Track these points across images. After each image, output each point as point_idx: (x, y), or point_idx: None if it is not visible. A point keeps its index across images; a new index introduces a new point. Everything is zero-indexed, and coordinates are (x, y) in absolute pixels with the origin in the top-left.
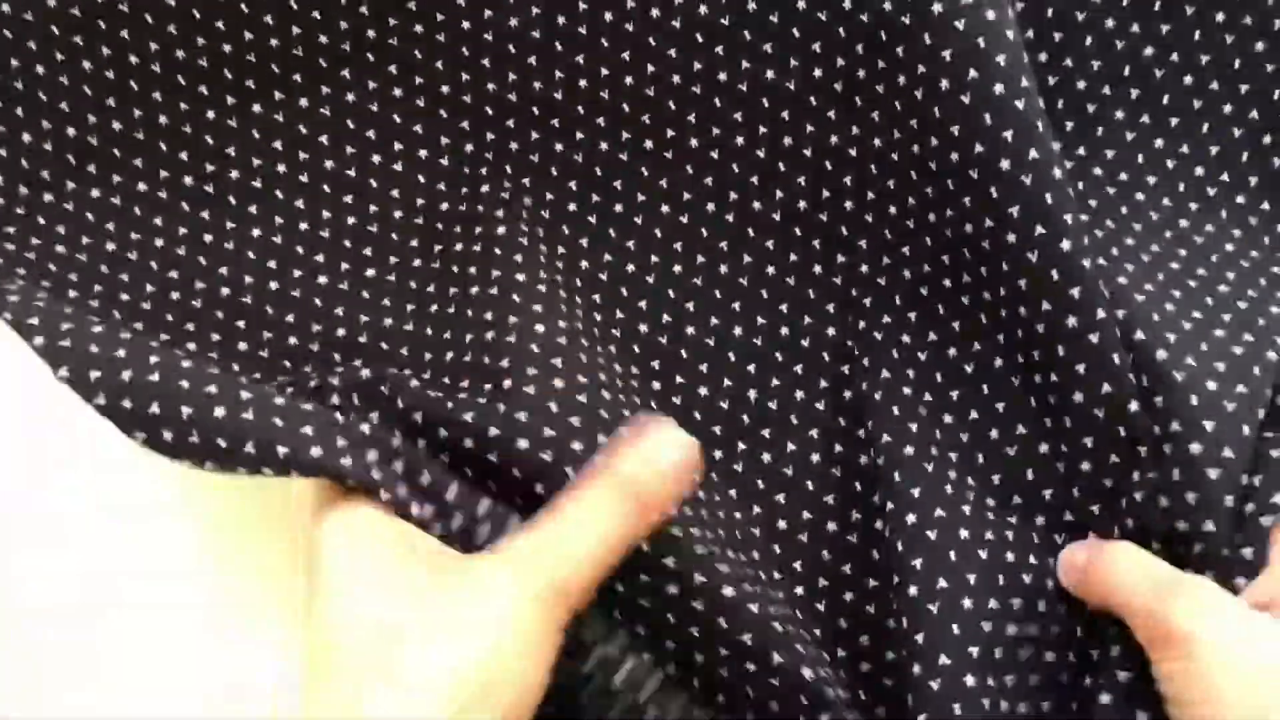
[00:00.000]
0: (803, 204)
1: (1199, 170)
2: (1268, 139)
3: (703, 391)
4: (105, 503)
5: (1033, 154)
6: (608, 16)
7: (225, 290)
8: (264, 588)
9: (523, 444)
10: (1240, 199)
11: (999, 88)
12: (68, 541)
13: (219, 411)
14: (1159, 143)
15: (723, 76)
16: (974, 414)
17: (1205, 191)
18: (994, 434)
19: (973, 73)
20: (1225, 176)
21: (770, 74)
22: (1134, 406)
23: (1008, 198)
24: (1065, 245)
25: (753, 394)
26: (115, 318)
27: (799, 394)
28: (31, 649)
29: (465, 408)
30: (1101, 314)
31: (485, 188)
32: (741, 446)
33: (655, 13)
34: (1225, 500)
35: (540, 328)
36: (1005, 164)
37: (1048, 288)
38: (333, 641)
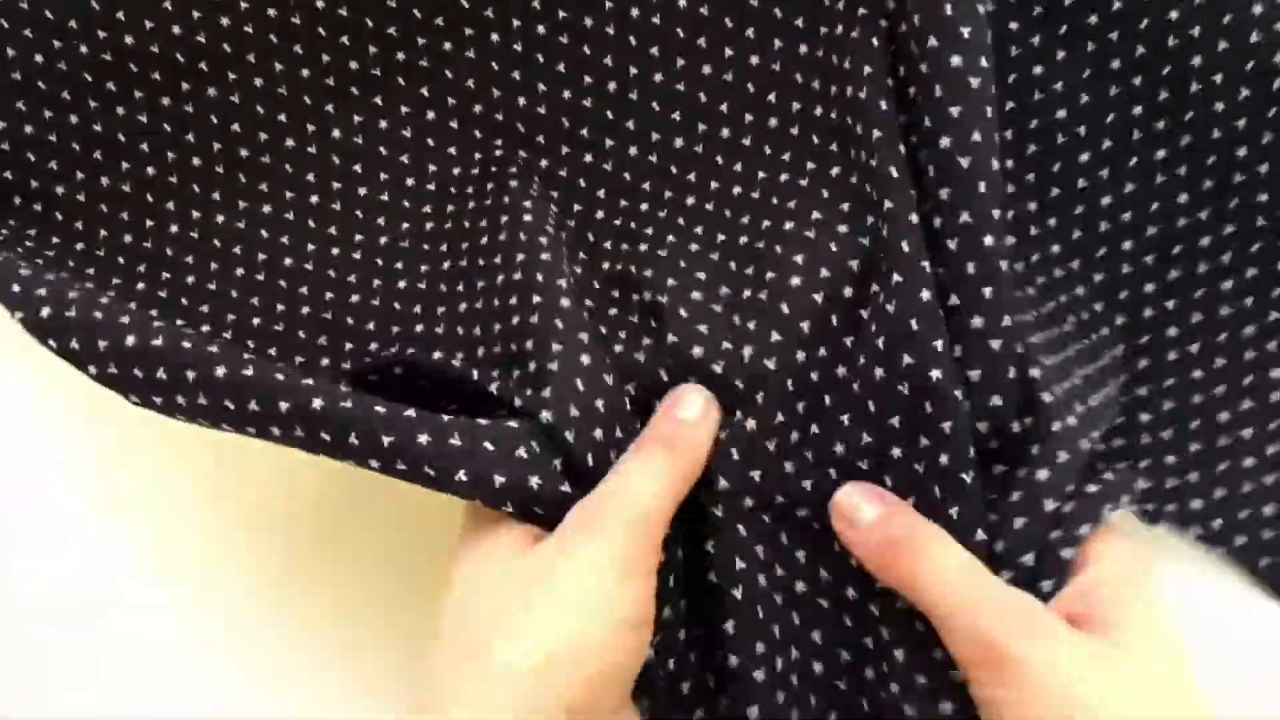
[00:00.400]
0: (836, 170)
1: (1082, 229)
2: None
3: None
4: (105, 503)
5: (975, 136)
6: (634, 13)
7: (257, 320)
8: (266, 586)
9: (546, 416)
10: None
11: (956, 59)
12: (68, 541)
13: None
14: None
15: (754, 60)
16: None
17: (1093, 256)
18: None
19: (933, 40)
20: (1123, 241)
21: (803, 48)
22: (1016, 427)
23: (942, 179)
24: (987, 240)
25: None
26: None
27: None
28: (31, 649)
29: (491, 380)
30: (1007, 321)
31: (515, 197)
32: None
33: (682, 3)
34: (1050, 534)
35: (566, 304)
36: (946, 141)
37: (961, 281)
38: (438, 638)
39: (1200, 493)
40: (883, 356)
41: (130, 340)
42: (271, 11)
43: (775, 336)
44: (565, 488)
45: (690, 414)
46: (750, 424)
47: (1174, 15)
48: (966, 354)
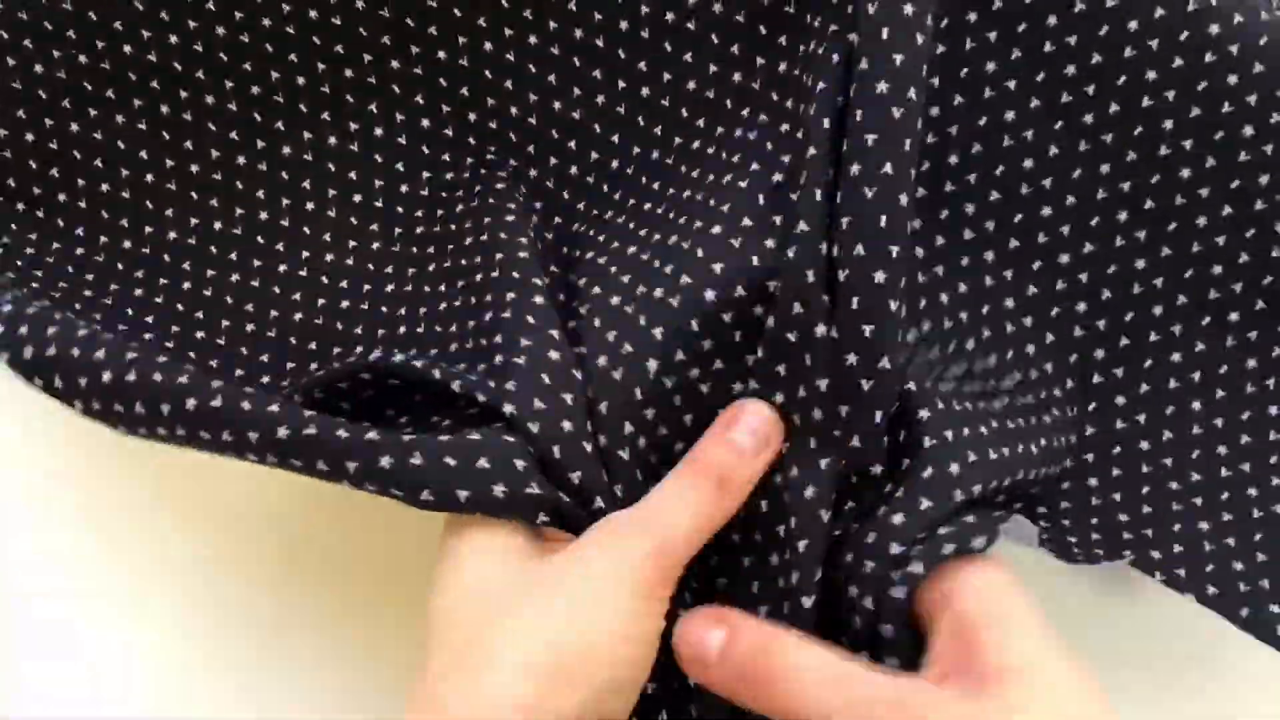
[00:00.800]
0: (778, 176)
1: (1015, 296)
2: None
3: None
4: (99, 499)
5: (887, 168)
6: (623, 25)
7: (250, 326)
8: (262, 588)
9: (509, 409)
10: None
11: (882, 86)
12: (60, 539)
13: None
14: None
15: (736, 77)
16: None
17: (1046, 314)
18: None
19: (864, 63)
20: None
21: (783, 66)
22: (876, 470)
23: (846, 207)
24: (877, 277)
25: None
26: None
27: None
28: (20, 649)
29: (453, 378)
30: (884, 364)
31: (501, 199)
32: None
33: (670, 17)
34: (891, 576)
35: (539, 301)
36: (855, 169)
37: (844, 316)
38: (431, 634)
39: (1158, 546)
40: (775, 386)
41: (106, 377)
42: (267, 21)
43: (679, 355)
44: (533, 489)
45: (748, 441)
46: (641, 441)
47: (1151, 76)
48: (838, 390)
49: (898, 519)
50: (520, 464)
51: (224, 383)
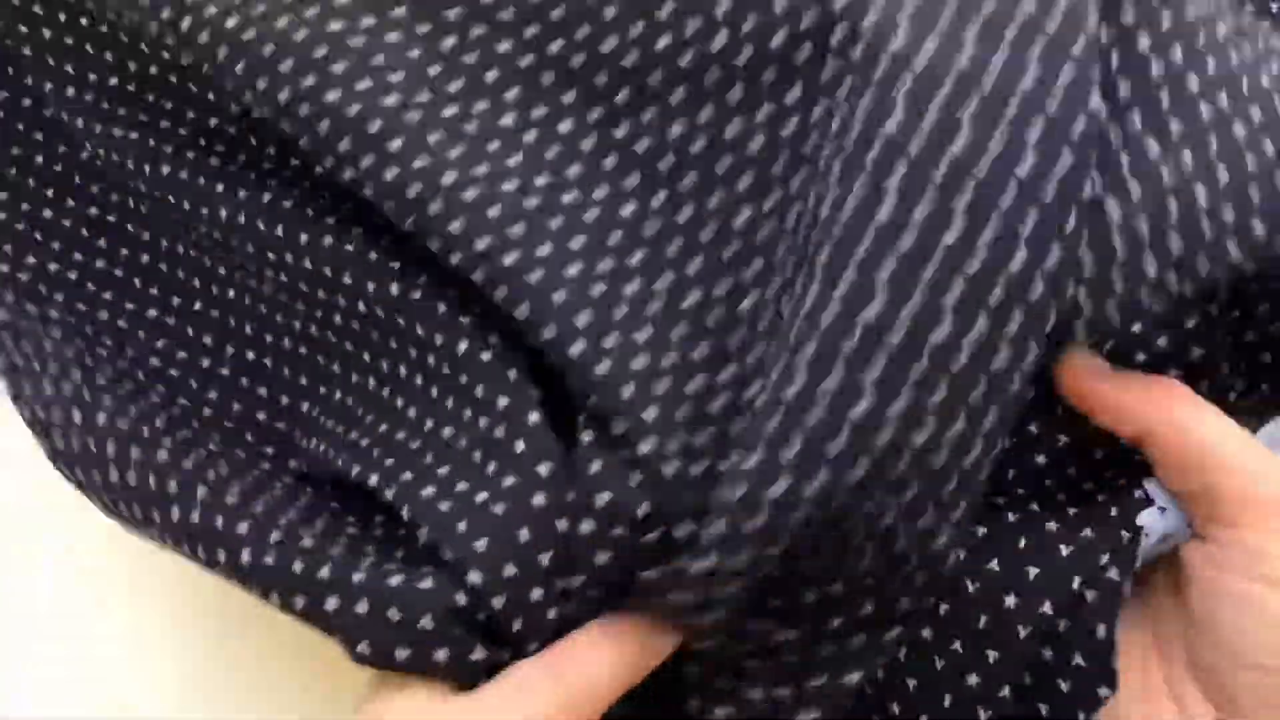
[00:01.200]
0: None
1: None
2: None
3: None
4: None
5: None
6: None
7: (197, 422)
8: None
9: (474, 578)
10: None
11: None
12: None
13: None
14: None
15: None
16: None
17: None
18: None
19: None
20: None
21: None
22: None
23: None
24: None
25: None
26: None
27: None
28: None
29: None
30: (940, 544)
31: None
32: None
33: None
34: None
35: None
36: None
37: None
38: None
39: None
40: None
41: (114, 477)
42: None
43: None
44: (478, 655)
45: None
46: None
47: None
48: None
49: (973, 680)
50: (464, 629)
51: (210, 491)
